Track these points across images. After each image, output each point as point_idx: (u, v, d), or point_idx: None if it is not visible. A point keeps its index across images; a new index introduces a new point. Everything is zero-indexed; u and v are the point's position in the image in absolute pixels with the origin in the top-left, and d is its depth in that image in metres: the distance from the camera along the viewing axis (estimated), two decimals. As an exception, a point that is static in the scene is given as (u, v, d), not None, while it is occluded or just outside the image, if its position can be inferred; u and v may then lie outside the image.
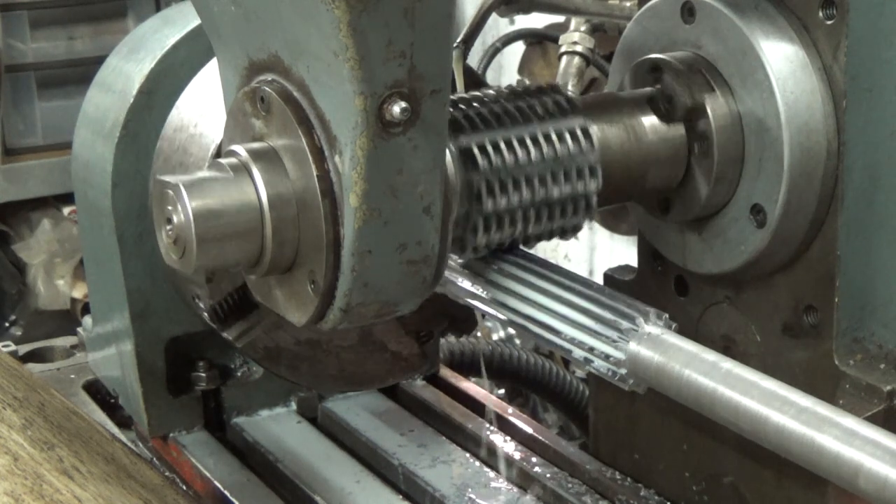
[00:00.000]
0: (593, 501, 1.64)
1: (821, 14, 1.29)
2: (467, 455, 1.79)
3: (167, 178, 1.20)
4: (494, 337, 3.07)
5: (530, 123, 1.31)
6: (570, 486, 1.67)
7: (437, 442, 1.84)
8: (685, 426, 1.54)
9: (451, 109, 1.29)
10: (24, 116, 4.26)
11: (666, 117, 1.38)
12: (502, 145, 1.29)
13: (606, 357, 1.23)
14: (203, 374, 1.83)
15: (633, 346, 1.21)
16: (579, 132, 1.33)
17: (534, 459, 1.74)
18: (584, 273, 2.98)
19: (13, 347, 2.16)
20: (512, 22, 3.36)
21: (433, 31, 1.11)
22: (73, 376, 2.06)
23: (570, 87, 2.53)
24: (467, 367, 2.12)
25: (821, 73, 1.31)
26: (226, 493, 1.72)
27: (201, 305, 1.64)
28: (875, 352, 1.35)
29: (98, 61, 1.91)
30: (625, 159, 1.38)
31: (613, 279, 1.60)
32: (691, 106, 1.36)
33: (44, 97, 4.26)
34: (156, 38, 1.75)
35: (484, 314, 1.40)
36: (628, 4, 2.17)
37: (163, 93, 1.71)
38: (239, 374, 1.89)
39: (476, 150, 1.28)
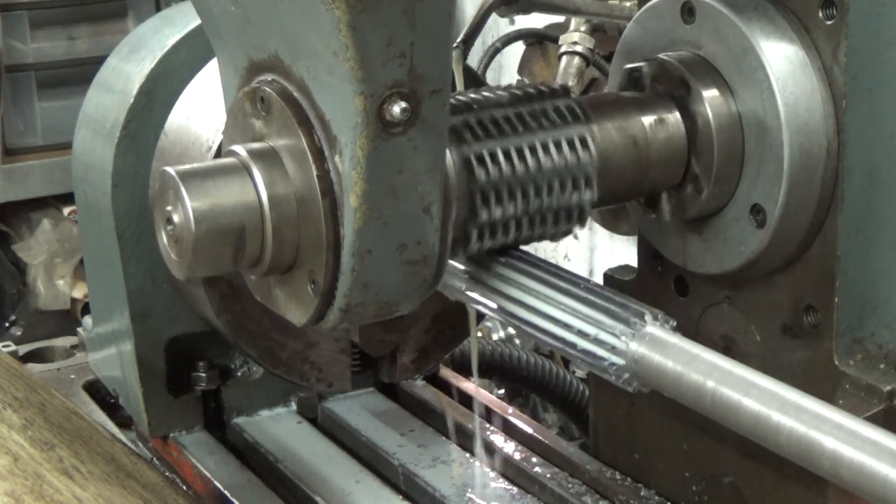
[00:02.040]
0: (593, 502, 1.64)
1: (821, 14, 1.29)
2: (467, 455, 1.79)
3: (167, 179, 1.20)
4: (494, 337, 3.06)
5: (533, 132, 1.31)
6: (570, 486, 1.67)
7: (437, 442, 1.84)
8: (685, 426, 1.54)
9: (454, 114, 1.29)
10: (24, 116, 4.26)
11: (652, 89, 1.38)
12: (504, 156, 1.28)
13: (607, 357, 1.23)
14: (203, 375, 1.83)
15: (633, 347, 1.21)
16: (578, 142, 1.33)
17: (534, 459, 1.74)
18: (584, 273, 2.97)
19: (13, 347, 2.17)
20: (512, 22, 3.36)
21: (433, 31, 1.11)
22: (73, 376, 2.06)
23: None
24: (467, 367, 2.12)
25: (821, 73, 1.31)
26: (226, 493, 1.72)
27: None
28: (875, 352, 1.35)
29: (98, 61, 1.91)
30: (625, 159, 1.38)
31: (613, 279, 1.60)
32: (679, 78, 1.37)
33: (44, 97, 4.26)
34: (156, 38, 1.75)
35: (484, 314, 1.40)
36: (628, 4, 2.17)
37: (163, 93, 1.71)
38: (239, 374, 1.89)
39: (476, 161, 1.27)
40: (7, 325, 4.30)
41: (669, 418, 1.56)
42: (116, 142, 1.71)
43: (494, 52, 2.99)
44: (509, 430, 1.83)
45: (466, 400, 1.95)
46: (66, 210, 4.22)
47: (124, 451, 1.57)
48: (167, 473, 1.80)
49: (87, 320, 2.02)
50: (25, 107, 4.25)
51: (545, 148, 1.31)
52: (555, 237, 1.37)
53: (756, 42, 1.32)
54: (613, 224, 2.78)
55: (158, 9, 4.26)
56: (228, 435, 1.90)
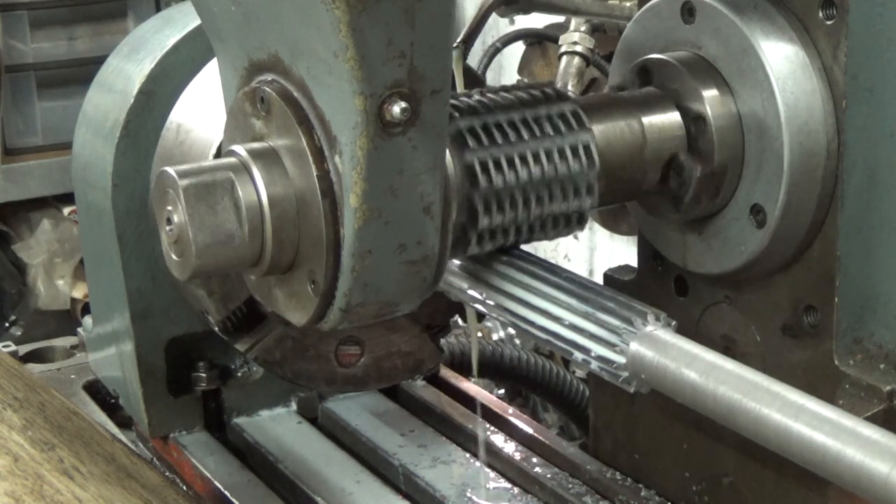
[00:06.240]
0: (594, 502, 1.64)
1: (821, 14, 1.29)
2: (467, 455, 1.79)
3: (167, 179, 1.20)
4: (494, 337, 3.06)
5: (533, 140, 1.31)
6: (570, 486, 1.67)
7: (437, 442, 1.84)
8: (685, 426, 1.54)
9: (456, 117, 1.29)
10: (24, 116, 4.25)
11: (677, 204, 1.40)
12: (504, 164, 1.28)
13: (607, 357, 1.23)
14: (203, 375, 1.83)
15: (633, 347, 1.21)
16: (581, 150, 1.33)
17: (534, 460, 1.74)
18: (584, 273, 2.97)
19: (13, 347, 2.16)
20: (512, 22, 3.36)
21: (433, 31, 1.11)
22: (73, 376, 2.06)
23: (570, 87, 2.53)
24: (468, 367, 2.12)
25: (821, 73, 1.31)
26: (226, 493, 1.72)
27: (211, 321, 1.67)
28: (875, 352, 1.35)
29: (98, 61, 1.91)
30: (625, 160, 1.38)
31: (613, 279, 1.60)
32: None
33: (44, 97, 4.26)
34: (156, 38, 1.75)
35: (484, 314, 1.40)
36: (628, 4, 2.17)
37: (163, 93, 1.71)
38: (239, 374, 1.89)
39: (477, 168, 1.27)
40: (7, 325, 4.30)
41: (669, 418, 1.56)
42: (116, 142, 1.71)
43: (494, 52, 2.99)
44: (509, 430, 1.83)
45: (467, 400, 1.95)
46: (66, 210, 4.22)
47: (124, 452, 1.57)
48: (167, 474, 1.80)
49: (87, 320, 2.02)
50: (25, 107, 4.25)
51: (537, 157, 1.31)
52: (554, 237, 1.37)
53: (756, 42, 1.32)
54: (613, 224, 2.78)
55: (158, 9, 4.26)
56: (228, 435, 1.90)
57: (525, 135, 1.30)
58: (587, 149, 1.33)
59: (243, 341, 1.65)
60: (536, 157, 1.30)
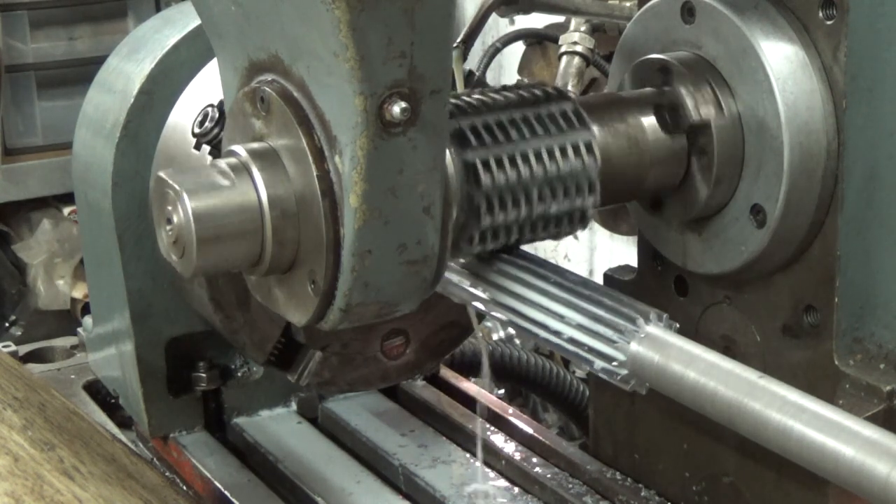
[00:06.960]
0: (594, 502, 1.64)
1: (821, 14, 1.30)
2: (467, 455, 1.79)
3: (167, 179, 1.20)
4: (494, 337, 3.06)
5: (535, 138, 1.31)
6: (570, 486, 1.67)
7: (437, 442, 1.84)
8: (685, 426, 1.54)
9: (456, 116, 1.28)
10: (24, 116, 4.25)
11: (669, 129, 1.38)
12: (506, 162, 1.28)
13: (607, 358, 1.23)
14: (203, 375, 1.83)
15: (633, 347, 1.21)
16: (583, 148, 1.32)
17: (534, 460, 1.74)
18: (584, 273, 2.97)
19: (13, 347, 2.16)
20: (512, 22, 3.36)
21: (433, 31, 1.11)
22: (73, 377, 2.06)
23: (570, 87, 2.53)
24: (467, 367, 2.12)
25: (821, 73, 1.31)
26: (226, 493, 1.72)
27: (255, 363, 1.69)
28: (875, 352, 1.35)
29: (98, 61, 1.92)
30: (625, 160, 1.38)
31: (613, 279, 1.60)
32: (696, 123, 1.36)
33: (44, 97, 4.26)
34: (156, 38, 1.76)
35: (484, 314, 1.40)
36: (628, 4, 2.17)
37: (163, 93, 1.71)
38: (239, 374, 1.89)
39: (479, 166, 1.27)
40: (7, 325, 4.30)
41: (669, 418, 1.56)
42: (116, 142, 1.71)
43: (494, 52, 2.99)
44: (509, 430, 1.83)
45: (467, 400, 1.95)
46: (66, 210, 4.22)
47: (124, 452, 1.57)
48: (167, 474, 1.80)
49: (87, 320, 2.02)
50: (25, 107, 4.25)
51: (538, 155, 1.30)
52: (557, 237, 1.37)
53: (756, 42, 1.32)
54: (613, 224, 2.78)
55: (158, 9, 4.26)
56: (228, 435, 1.90)
57: (526, 133, 1.30)
58: (588, 146, 1.33)
59: (290, 372, 1.67)
60: (538, 156, 1.30)
